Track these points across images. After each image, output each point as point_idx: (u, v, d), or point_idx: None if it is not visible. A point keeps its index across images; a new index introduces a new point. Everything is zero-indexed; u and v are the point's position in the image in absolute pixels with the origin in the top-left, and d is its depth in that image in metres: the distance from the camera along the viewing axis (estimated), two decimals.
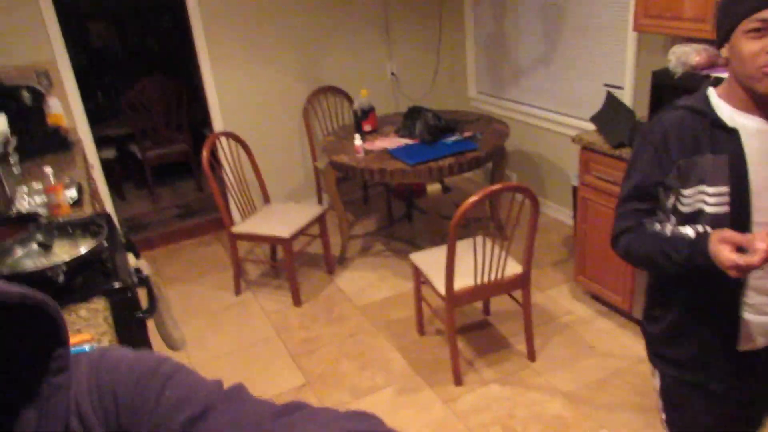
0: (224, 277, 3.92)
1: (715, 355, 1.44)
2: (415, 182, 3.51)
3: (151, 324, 2.52)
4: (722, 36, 1.30)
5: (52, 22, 3.68)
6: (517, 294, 2.88)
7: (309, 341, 3.22)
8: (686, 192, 1.34)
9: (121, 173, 5.40)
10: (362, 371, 2.95)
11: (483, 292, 2.75)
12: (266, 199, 3.89)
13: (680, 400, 1.54)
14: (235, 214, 4.30)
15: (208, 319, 3.52)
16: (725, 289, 1.34)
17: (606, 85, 3.60)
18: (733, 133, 1.29)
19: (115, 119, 5.55)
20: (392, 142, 3.65)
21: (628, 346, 2.94)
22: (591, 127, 3.15)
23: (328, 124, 4.58)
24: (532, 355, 2.90)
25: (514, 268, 2.77)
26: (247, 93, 4.32)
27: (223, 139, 3.90)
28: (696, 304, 1.43)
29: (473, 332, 3.18)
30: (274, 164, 4.50)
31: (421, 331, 3.17)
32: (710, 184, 1.30)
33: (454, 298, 2.66)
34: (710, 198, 1.31)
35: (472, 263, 2.62)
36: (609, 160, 2.88)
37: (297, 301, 3.55)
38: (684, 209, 1.35)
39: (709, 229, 1.30)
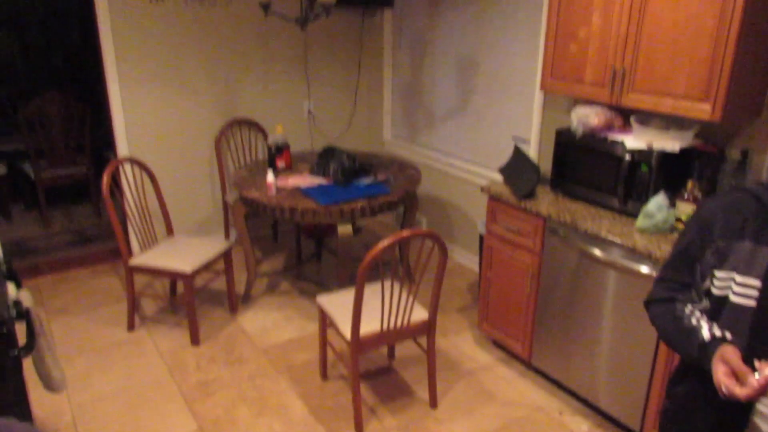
0: (117, 311, 3.67)
1: None
2: (325, 222, 3.47)
3: (28, 362, 2.31)
4: None
5: None
6: (423, 339, 2.88)
7: (205, 384, 3.05)
8: (719, 274, 1.32)
9: (9, 192, 5.00)
10: (260, 418, 2.82)
11: (389, 337, 2.73)
12: (170, 231, 3.71)
13: None
14: (135, 245, 4.08)
15: (96, 356, 3.27)
16: None
17: (514, 138, 3.76)
18: None
19: (7, 135, 5.16)
20: (305, 180, 3.61)
21: (526, 395, 3.00)
22: (500, 177, 3.26)
23: (241, 157, 4.48)
24: (434, 402, 2.90)
25: (420, 314, 2.77)
26: (156, 118, 4.16)
27: (127, 165, 3.72)
28: (709, 390, 1.32)
29: (377, 378, 3.14)
30: (180, 194, 4.33)
31: (325, 375, 3.10)
32: (741, 273, 1.28)
33: (359, 344, 2.62)
34: (737, 287, 1.28)
35: (379, 307, 2.60)
36: (515, 212, 2.99)
37: (195, 340, 3.38)
38: (715, 292, 1.33)
39: (728, 335, 1.28)
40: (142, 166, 3.56)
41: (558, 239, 2.79)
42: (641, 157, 2.60)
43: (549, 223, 2.82)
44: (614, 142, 2.70)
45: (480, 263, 3.45)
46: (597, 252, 2.59)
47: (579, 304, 2.75)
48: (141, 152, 4.06)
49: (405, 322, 2.69)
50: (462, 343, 3.42)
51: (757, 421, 1.31)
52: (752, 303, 1.27)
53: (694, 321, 1.35)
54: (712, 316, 1.35)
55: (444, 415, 2.85)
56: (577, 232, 2.69)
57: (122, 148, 4.08)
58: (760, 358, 1.20)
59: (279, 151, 3.79)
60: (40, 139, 4.73)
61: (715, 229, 1.34)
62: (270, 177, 3.42)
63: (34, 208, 5.13)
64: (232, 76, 4.35)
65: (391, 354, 3.28)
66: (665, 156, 2.55)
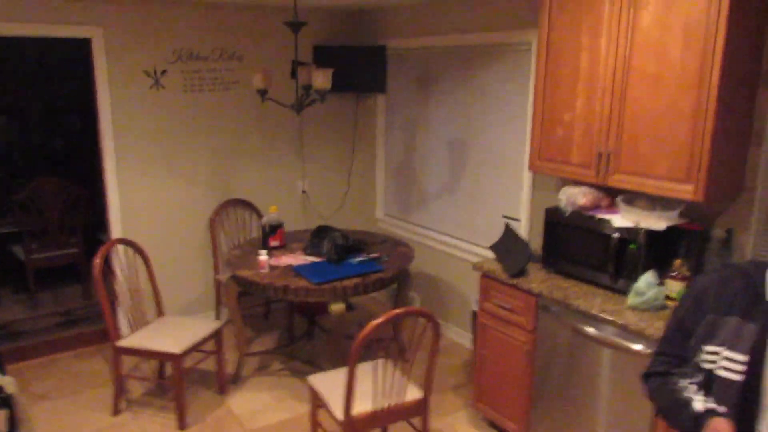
0: (103, 395, 3.58)
1: None
2: (318, 300, 3.46)
3: None
4: None
5: None
6: (417, 420, 2.81)
7: None
8: (709, 348, 1.36)
9: None
10: None
11: (382, 418, 2.67)
12: (160, 312, 3.68)
13: None
14: (124, 326, 4.03)
15: None
16: None
17: (504, 217, 3.83)
18: None
19: (1, 217, 5.19)
20: (298, 259, 3.63)
21: None
22: (492, 254, 3.30)
23: (235, 237, 4.51)
24: None
25: (413, 394, 2.72)
26: (151, 200, 4.21)
27: (120, 246, 3.73)
28: None
29: None
30: (173, 274, 4.32)
31: None
32: (729, 348, 1.32)
33: (352, 425, 2.56)
34: (724, 362, 1.32)
35: (372, 387, 2.56)
36: (507, 289, 3.00)
37: (182, 425, 3.27)
38: (706, 366, 1.37)
39: (722, 408, 1.31)
40: (135, 248, 3.57)
41: (551, 317, 2.79)
42: (629, 235, 2.65)
43: (541, 300, 2.83)
44: (602, 221, 2.77)
45: (474, 340, 3.43)
46: (590, 330, 2.59)
47: (575, 382, 2.72)
48: (134, 233, 4.08)
49: (398, 401, 2.64)
50: (457, 424, 3.33)
51: None
52: (739, 377, 1.30)
53: (687, 394, 1.38)
54: (706, 389, 1.38)
55: None
56: (569, 309, 2.69)
57: (116, 230, 4.11)
58: (748, 431, 1.23)
59: (272, 230, 3.83)
60: (33, 221, 4.75)
61: (707, 303, 1.39)
62: (263, 256, 3.44)
63: (22, 291, 5.08)
64: (228, 160, 4.45)
65: None
66: (652, 234, 2.60)
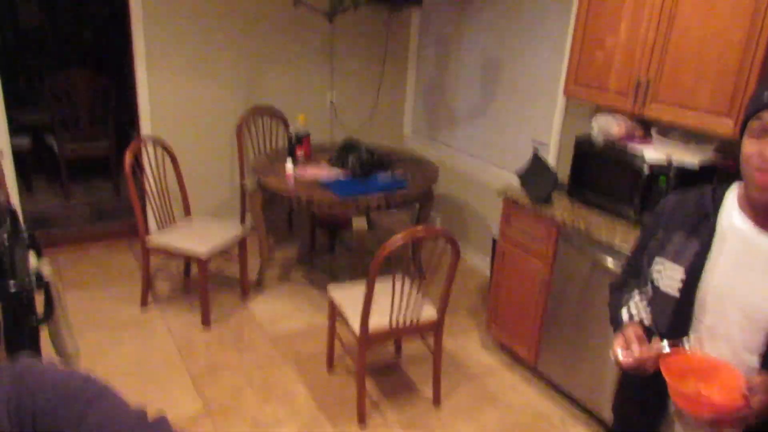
0: (131, 288, 3.74)
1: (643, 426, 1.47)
2: (341, 214, 3.50)
3: (43, 330, 2.36)
4: (740, 132, 1.30)
5: None
6: (430, 338, 2.90)
7: (213, 367, 3.10)
8: (657, 259, 1.40)
9: (32, 164, 5.10)
10: (266, 404, 2.86)
11: (397, 333, 2.75)
12: (187, 212, 3.76)
13: None
14: (152, 223, 4.14)
15: (108, 332, 3.33)
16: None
17: (533, 142, 3.75)
18: (714, 227, 1.31)
19: (33, 105, 5.25)
20: (324, 171, 3.63)
21: (529, 401, 3.01)
22: (516, 179, 3.26)
23: (261, 144, 4.52)
24: (437, 401, 2.92)
25: (429, 313, 2.79)
26: (180, 100, 4.20)
27: (150, 144, 3.77)
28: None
29: (382, 373, 3.17)
30: (200, 176, 4.37)
31: (331, 367, 3.13)
32: (672, 261, 1.35)
33: (367, 338, 2.65)
34: (666, 274, 1.35)
35: (389, 303, 2.63)
36: (529, 215, 2.99)
37: (206, 322, 3.43)
38: (653, 278, 1.40)
39: (645, 318, 1.39)
40: (165, 147, 3.61)
41: (571, 247, 2.79)
42: (660, 170, 2.59)
43: (563, 229, 2.82)
44: (634, 154, 2.70)
45: (491, 266, 3.46)
46: (609, 262, 2.59)
47: (588, 313, 2.75)
48: (163, 132, 4.10)
49: (414, 319, 2.71)
50: (469, 345, 3.44)
51: (672, 412, 1.39)
52: (676, 292, 1.34)
53: (626, 304, 1.46)
54: (651, 301, 1.43)
55: (447, 414, 2.87)
56: (590, 240, 2.68)
57: (145, 127, 4.14)
58: (676, 343, 1.29)
59: (299, 140, 3.82)
60: (65, 111, 4.80)
61: (662, 219, 1.43)
62: (289, 166, 3.45)
63: (55, 181, 5.21)
64: (258, 65, 4.38)
65: (397, 350, 3.31)
66: (684, 170, 2.54)
